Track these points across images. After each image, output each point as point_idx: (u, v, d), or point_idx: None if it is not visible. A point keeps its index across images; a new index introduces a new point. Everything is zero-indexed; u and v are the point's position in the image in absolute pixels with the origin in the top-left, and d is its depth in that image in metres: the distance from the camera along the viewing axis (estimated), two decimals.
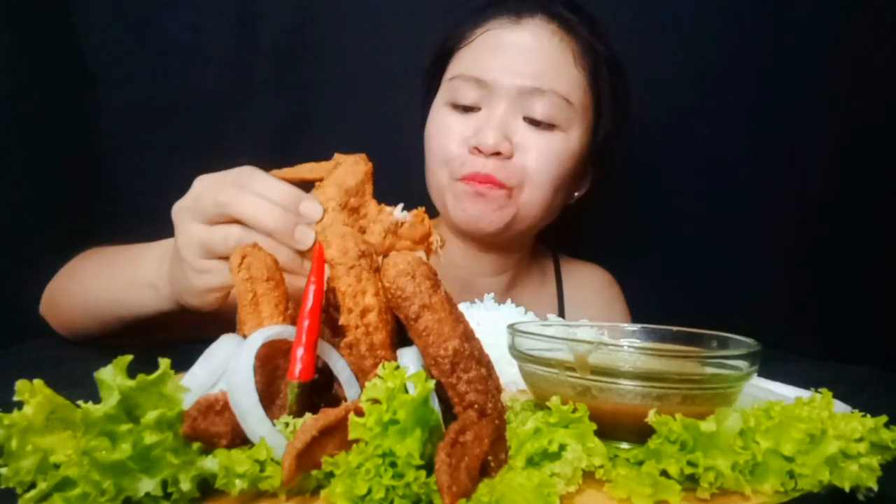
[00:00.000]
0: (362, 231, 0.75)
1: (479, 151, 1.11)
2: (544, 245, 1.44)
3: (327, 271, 0.58)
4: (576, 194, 1.28)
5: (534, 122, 1.13)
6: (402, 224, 0.77)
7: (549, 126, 1.13)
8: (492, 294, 1.02)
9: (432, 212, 1.34)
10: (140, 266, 0.90)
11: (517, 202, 1.14)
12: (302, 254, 0.71)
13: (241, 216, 0.71)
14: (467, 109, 1.15)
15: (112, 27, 1.43)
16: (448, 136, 1.15)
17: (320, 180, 0.78)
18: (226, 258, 0.71)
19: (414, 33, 1.47)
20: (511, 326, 0.69)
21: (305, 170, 0.79)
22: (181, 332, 0.97)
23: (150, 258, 0.89)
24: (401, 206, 0.76)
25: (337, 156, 0.80)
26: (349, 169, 0.77)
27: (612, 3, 1.53)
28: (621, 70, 1.22)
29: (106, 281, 0.98)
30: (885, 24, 1.53)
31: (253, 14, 1.47)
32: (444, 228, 1.29)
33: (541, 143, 1.12)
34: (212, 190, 0.72)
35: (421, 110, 1.28)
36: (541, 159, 1.13)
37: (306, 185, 0.78)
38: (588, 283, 1.42)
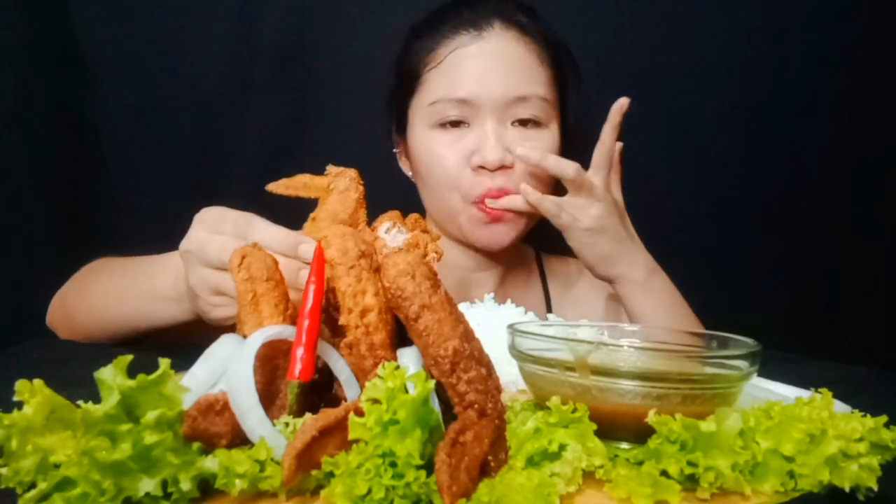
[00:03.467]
0: None
1: (483, 168, 1.14)
2: (524, 242, 1.43)
3: (327, 271, 0.58)
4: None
5: (522, 123, 1.17)
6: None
7: (535, 124, 1.18)
8: (492, 294, 1.03)
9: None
10: (158, 281, 0.93)
11: (525, 213, 1.18)
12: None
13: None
14: (454, 125, 1.17)
15: (112, 27, 1.43)
16: (448, 158, 1.17)
17: (315, 198, 0.81)
18: None
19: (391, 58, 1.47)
20: (511, 326, 0.69)
21: (300, 186, 0.82)
22: (184, 334, 0.97)
23: (166, 274, 0.91)
24: (385, 226, 0.77)
25: (330, 169, 0.82)
26: (341, 198, 0.80)
27: (613, 3, 1.53)
28: (569, 50, 1.26)
29: (123, 296, 1.00)
30: (886, 22, 1.53)
31: (253, 14, 1.47)
32: (433, 227, 1.30)
33: (534, 146, 1.15)
34: (215, 243, 0.77)
35: (391, 136, 1.30)
36: (537, 161, 1.15)
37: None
38: (573, 276, 1.44)
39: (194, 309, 0.87)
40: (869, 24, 1.54)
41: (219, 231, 0.79)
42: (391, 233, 0.77)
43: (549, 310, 1.36)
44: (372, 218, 0.80)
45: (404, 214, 0.80)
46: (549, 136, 1.20)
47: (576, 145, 1.29)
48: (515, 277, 1.38)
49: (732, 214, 1.59)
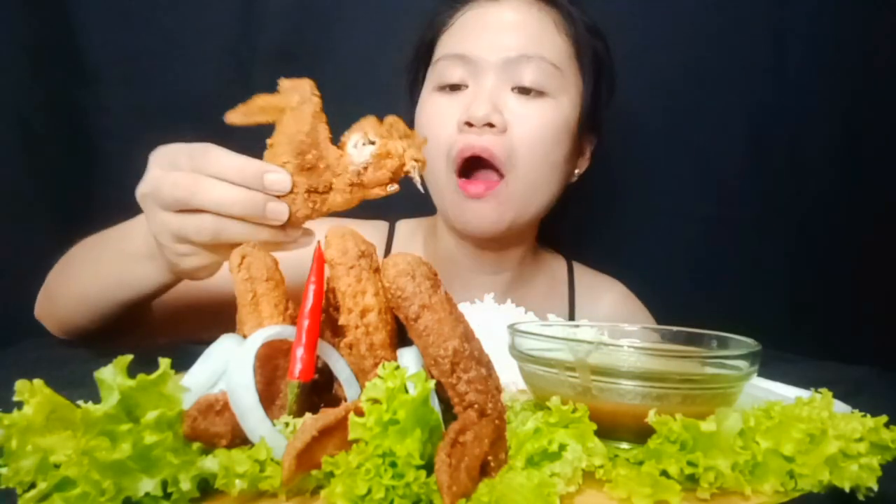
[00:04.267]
0: (327, 190, 0.71)
1: (470, 126, 1.08)
2: (556, 251, 1.40)
3: (327, 271, 0.58)
4: (576, 172, 1.24)
5: (523, 91, 1.10)
6: (367, 168, 0.71)
7: (539, 94, 1.11)
8: (492, 294, 1.00)
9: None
10: (131, 241, 0.87)
11: (514, 193, 1.10)
12: (282, 225, 0.70)
13: (207, 207, 0.69)
14: (455, 89, 1.13)
15: (112, 27, 1.43)
16: (440, 119, 1.12)
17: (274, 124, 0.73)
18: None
19: (414, 33, 1.47)
20: (511, 326, 0.68)
21: (257, 111, 0.74)
22: (183, 333, 0.96)
23: (138, 232, 0.84)
24: (354, 139, 0.70)
25: (281, 83, 0.74)
26: (295, 116, 0.71)
27: (612, 2, 1.54)
28: (602, 36, 1.22)
29: (99, 264, 0.94)
30: (886, 22, 1.53)
31: (253, 14, 1.47)
32: (441, 224, 1.24)
33: (532, 113, 1.10)
34: (168, 179, 0.70)
35: (409, 105, 1.25)
36: (534, 130, 1.09)
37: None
38: (602, 298, 1.36)
39: (166, 264, 0.80)
40: (869, 23, 1.54)
41: (175, 167, 0.71)
42: (358, 146, 0.69)
43: (573, 320, 1.28)
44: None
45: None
46: (554, 107, 1.11)
47: (599, 136, 1.25)
48: (532, 285, 1.30)
49: (732, 214, 1.59)
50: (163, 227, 0.72)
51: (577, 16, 1.17)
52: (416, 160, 0.69)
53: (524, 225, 1.17)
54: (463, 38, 1.14)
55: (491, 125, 1.07)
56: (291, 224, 0.70)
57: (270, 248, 0.68)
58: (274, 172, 0.68)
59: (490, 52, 1.10)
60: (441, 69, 1.14)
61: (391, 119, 0.71)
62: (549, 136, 1.11)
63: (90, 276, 0.96)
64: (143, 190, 0.73)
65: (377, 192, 0.72)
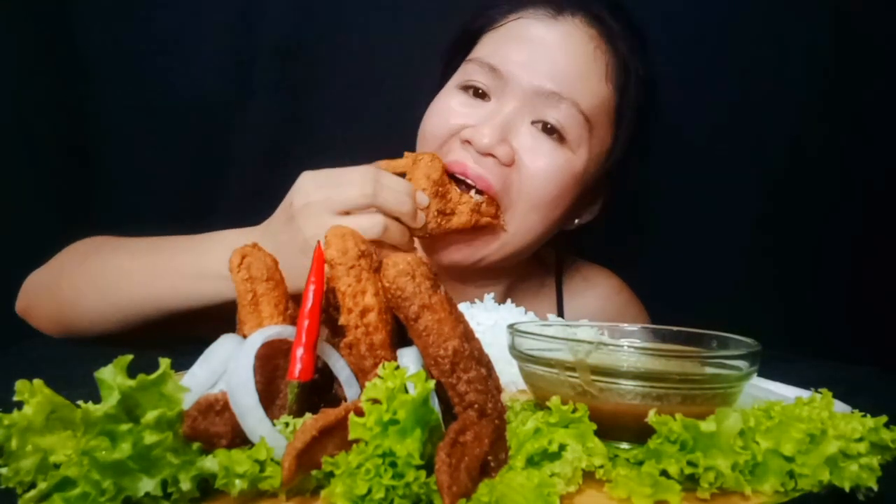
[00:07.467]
0: (452, 212, 0.99)
1: (470, 145, 1.02)
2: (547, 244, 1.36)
3: (327, 271, 0.58)
4: (577, 221, 1.18)
5: (542, 129, 1.03)
6: (482, 204, 1.00)
7: (558, 138, 1.03)
8: (492, 294, 1.00)
9: None
10: (206, 259, 0.92)
11: (502, 233, 1.05)
12: (412, 232, 0.93)
13: (384, 205, 0.87)
14: (477, 94, 1.06)
15: (112, 27, 1.43)
16: (445, 118, 1.06)
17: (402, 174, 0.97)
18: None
19: (414, 33, 1.47)
20: (511, 326, 0.68)
21: (400, 165, 0.99)
22: (183, 332, 0.96)
23: (216, 250, 0.90)
24: (473, 190, 1.00)
25: (407, 154, 0.99)
26: (430, 164, 0.97)
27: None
28: (655, 93, 1.12)
29: (154, 274, 0.95)
30: (885, 22, 1.53)
31: (253, 14, 1.47)
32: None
33: (544, 154, 1.02)
34: (352, 181, 0.85)
35: (438, 85, 1.18)
36: (540, 173, 1.02)
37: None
38: (593, 289, 1.32)
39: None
40: (868, 24, 1.54)
41: (348, 184, 0.84)
42: (476, 195, 1.01)
43: (561, 315, 1.26)
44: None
45: None
46: (568, 159, 1.03)
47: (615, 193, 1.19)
48: (524, 288, 1.26)
49: (732, 214, 1.59)
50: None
51: (632, 66, 1.08)
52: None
53: (508, 258, 1.10)
54: (504, 47, 1.05)
55: (492, 156, 1.01)
56: (421, 231, 0.95)
57: (398, 247, 0.90)
58: (420, 192, 0.92)
59: (524, 72, 1.02)
60: (470, 71, 1.07)
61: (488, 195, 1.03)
62: (554, 185, 1.04)
63: (137, 285, 0.96)
64: (304, 200, 0.85)
65: (487, 220, 1.02)
